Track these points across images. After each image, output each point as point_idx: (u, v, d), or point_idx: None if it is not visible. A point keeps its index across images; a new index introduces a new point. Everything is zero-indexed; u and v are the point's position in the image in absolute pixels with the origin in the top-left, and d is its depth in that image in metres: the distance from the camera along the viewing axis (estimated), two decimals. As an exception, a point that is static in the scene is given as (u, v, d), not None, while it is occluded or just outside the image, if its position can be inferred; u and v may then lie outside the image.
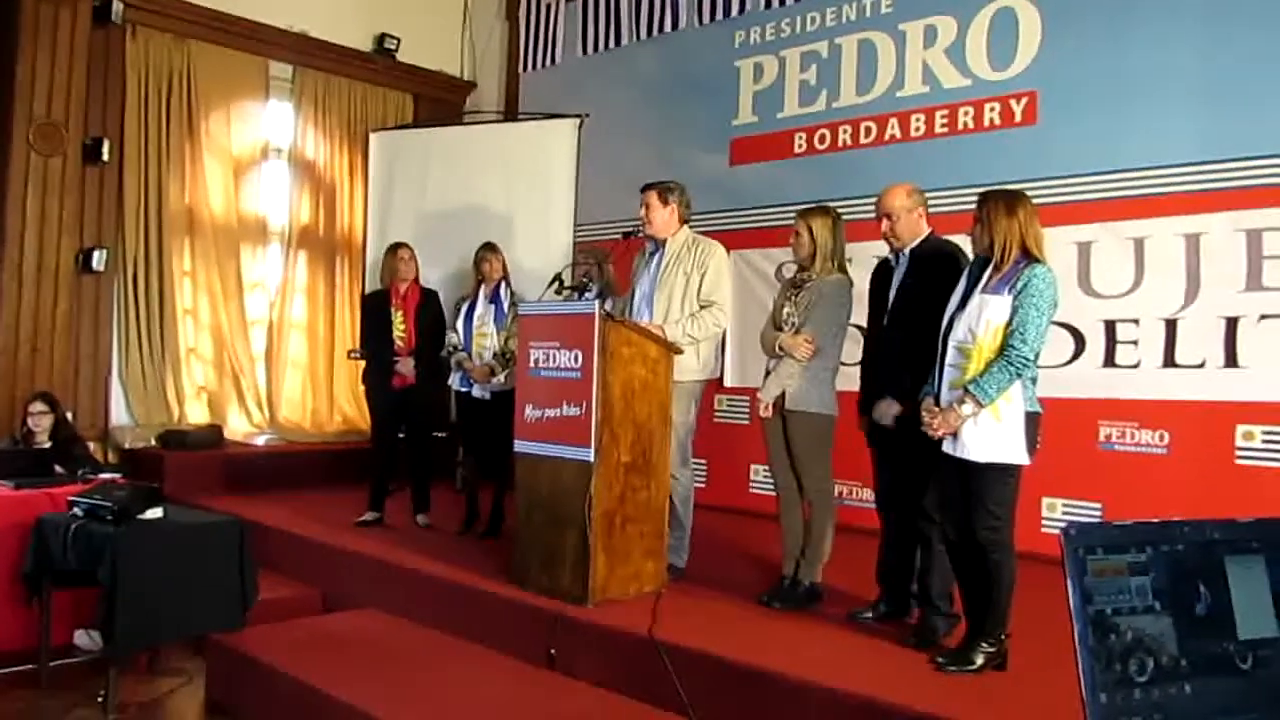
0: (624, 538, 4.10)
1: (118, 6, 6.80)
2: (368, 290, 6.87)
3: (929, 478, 3.52)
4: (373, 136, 7.74)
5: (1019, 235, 3.21)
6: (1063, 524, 4.43)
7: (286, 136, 8.02)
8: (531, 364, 4.28)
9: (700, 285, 4.44)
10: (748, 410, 6.25)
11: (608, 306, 4.23)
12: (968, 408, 3.16)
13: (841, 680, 3.15)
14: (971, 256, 3.46)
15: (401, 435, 5.84)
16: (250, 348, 7.76)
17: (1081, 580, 0.99)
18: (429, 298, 5.86)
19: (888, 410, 3.70)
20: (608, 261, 5.38)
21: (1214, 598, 1.06)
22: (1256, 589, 1.07)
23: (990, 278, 3.25)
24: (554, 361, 4.17)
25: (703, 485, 6.25)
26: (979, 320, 3.19)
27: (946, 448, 3.25)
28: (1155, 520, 1.07)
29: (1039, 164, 5.32)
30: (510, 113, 8.37)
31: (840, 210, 4.31)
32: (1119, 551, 1.01)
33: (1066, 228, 5.13)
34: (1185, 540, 1.04)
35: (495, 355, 5.44)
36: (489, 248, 5.64)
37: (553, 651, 3.89)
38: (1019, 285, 3.16)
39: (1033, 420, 3.21)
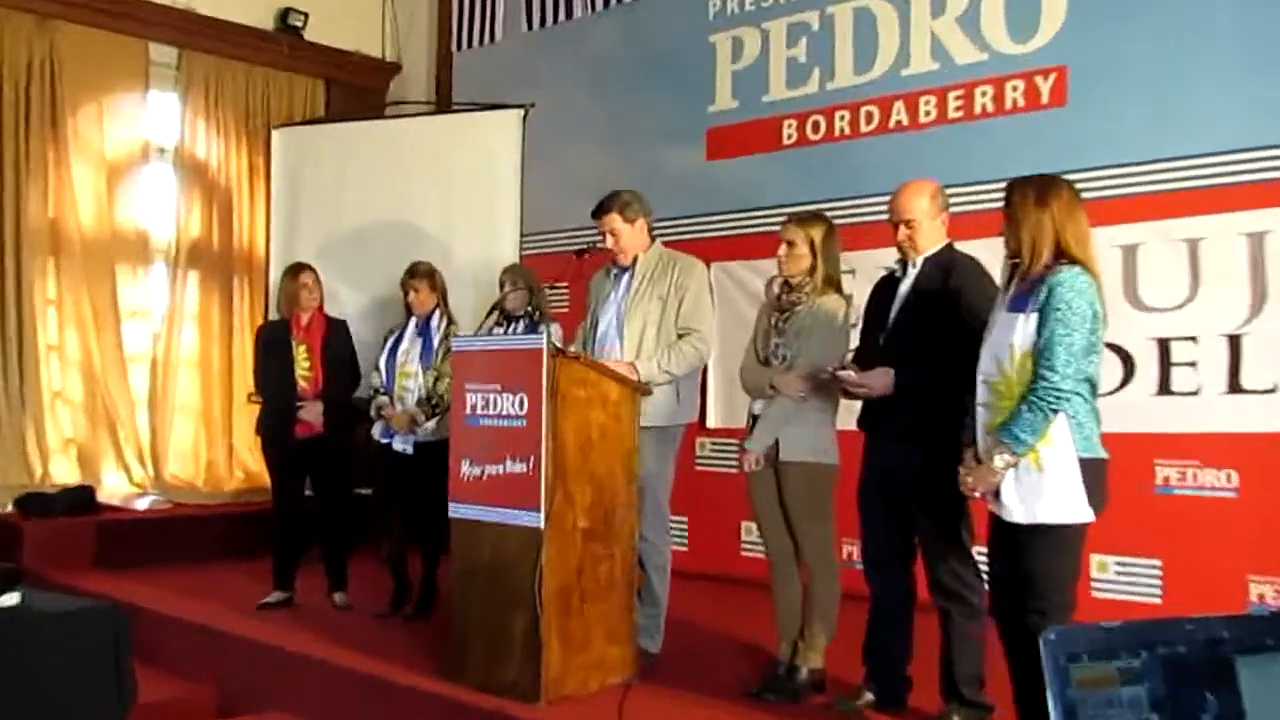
0: (583, 619, 4.11)
1: (-38, -17, 6.83)
2: (269, 318, 6.87)
3: (941, 538, 3.54)
4: (275, 133, 7.77)
5: (1051, 231, 3.07)
6: (1116, 583, 4.42)
7: (171, 134, 8.04)
8: (468, 410, 4.29)
9: (679, 310, 4.49)
10: (737, 456, 6.27)
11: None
12: (1000, 459, 3.07)
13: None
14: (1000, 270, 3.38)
15: (309, 494, 5.84)
16: (129, 390, 7.74)
17: (1064, 693, 1.03)
18: (336, 329, 5.86)
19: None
20: (538, 284, 5.37)
21: (1223, 706, 1.09)
22: (1275, 692, 1.10)
23: (1014, 290, 3.16)
24: (494, 407, 4.19)
25: (682, 549, 6.28)
26: (1003, 347, 3.12)
27: (991, 508, 3.20)
28: (1150, 620, 1.10)
29: (1070, 154, 5.36)
30: (442, 102, 8.42)
31: (839, 212, 4.34)
32: (1108, 657, 1.04)
33: (1106, 229, 5.16)
34: (1187, 641, 1.07)
35: (419, 400, 5.44)
36: (414, 273, 5.59)
37: (497, 760, 3.90)
38: (1041, 297, 3.05)
39: (1091, 468, 3.06)
